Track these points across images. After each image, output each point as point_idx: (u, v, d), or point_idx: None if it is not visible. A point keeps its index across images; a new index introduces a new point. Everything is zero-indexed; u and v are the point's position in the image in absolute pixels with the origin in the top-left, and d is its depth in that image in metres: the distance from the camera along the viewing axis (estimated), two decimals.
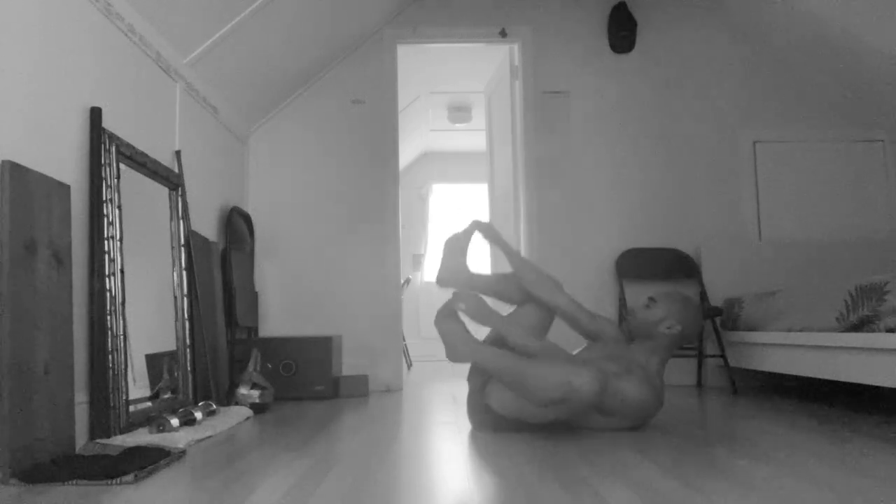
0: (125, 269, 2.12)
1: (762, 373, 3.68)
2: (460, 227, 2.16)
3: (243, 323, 3.35)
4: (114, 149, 2.13)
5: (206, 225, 3.12)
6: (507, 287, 2.36)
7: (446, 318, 2.28)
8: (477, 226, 2.38)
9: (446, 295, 7.56)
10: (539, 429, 2.18)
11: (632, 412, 2.08)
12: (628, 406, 2.06)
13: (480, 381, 2.25)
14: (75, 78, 2.01)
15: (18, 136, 1.73)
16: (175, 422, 2.06)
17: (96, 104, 2.11)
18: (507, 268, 3.38)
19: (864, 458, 1.63)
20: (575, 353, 2.27)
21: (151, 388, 2.28)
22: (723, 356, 3.43)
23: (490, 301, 2.61)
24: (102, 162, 2.07)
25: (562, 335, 3.20)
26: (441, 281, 2.36)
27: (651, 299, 2.24)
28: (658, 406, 2.12)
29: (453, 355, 2.23)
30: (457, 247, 2.37)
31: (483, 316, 2.25)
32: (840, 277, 3.66)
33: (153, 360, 2.31)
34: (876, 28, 3.29)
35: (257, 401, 2.77)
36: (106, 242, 2.05)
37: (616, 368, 2.10)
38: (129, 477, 1.45)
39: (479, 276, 2.37)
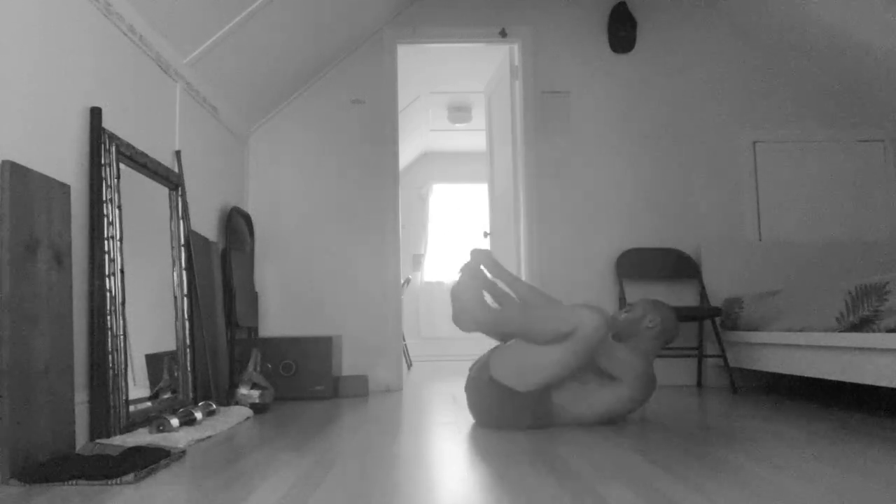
0: (125, 269, 2.12)
1: (762, 373, 3.68)
2: (466, 261, 2.52)
3: (243, 323, 3.35)
4: (114, 149, 2.13)
5: (206, 225, 3.12)
6: (526, 325, 2.30)
7: (466, 285, 2.41)
8: (475, 254, 2.48)
9: (446, 296, 7.56)
10: (539, 424, 2.19)
11: (625, 373, 2.20)
12: (623, 367, 2.20)
13: (483, 362, 2.32)
14: (75, 78, 2.01)
15: (18, 136, 1.73)
16: (175, 422, 2.06)
17: (96, 104, 2.11)
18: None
19: (863, 458, 1.63)
20: None
21: (151, 388, 2.28)
22: (723, 356, 3.43)
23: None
24: (102, 162, 2.07)
25: None
26: (461, 319, 2.40)
27: (629, 304, 2.48)
28: (650, 383, 2.23)
29: (463, 323, 2.36)
30: (470, 277, 2.43)
31: (495, 269, 2.48)
32: (840, 277, 3.66)
33: (153, 360, 2.31)
34: (876, 28, 3.29)
35: (257, 401, 2.77)
36: (106, 242, 2.05)
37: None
38: (129, 477, 1.45)
39: (497, 313, 2.36)
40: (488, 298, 4.28)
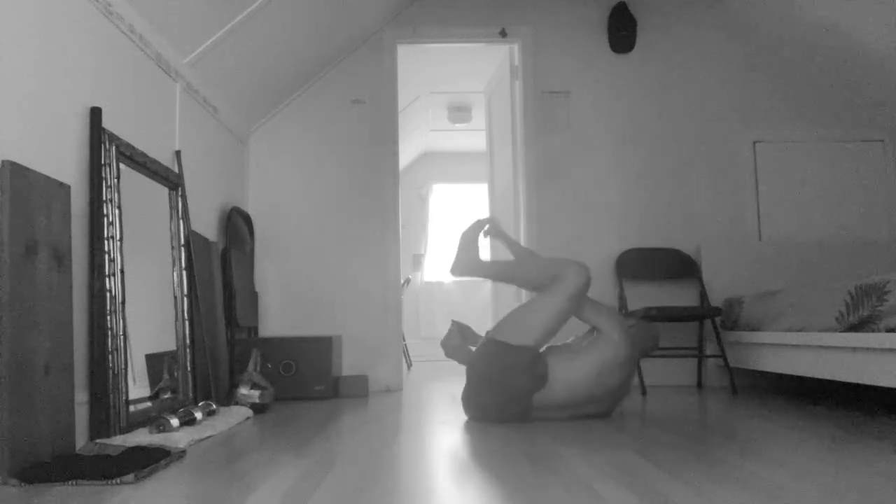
0: (125, 269, 2.12)
1: (762, 373, 3.68)
2: (469, 223, 3.08)
3: (243, 323, 3.35)
4: (114, 149, 2.13)
5: (206, 225, 3.12)
6: (516, 272, 2.65)
7: (469, 238, 2.67)
8: (482, 222, 2.70)
9: (446, 296, 7.56)
10: (537, 387, 2.30)
11: (610, 327, 2.40)
12: (608, 321, 2.41)
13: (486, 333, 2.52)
14: (75, 78, 2.01)
15: (18, 136, 1.73)
16: (175, 422, 2.06)
17: (96, 104, 2.11)
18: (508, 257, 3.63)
19: (863, 458, 1.63)
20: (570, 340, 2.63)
21: (151, 388, 2.28)
22: (723, 356, 3.43)
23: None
24: (102, 162, 2.07)
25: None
26: (455, 270, 2.69)
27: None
28: (632, 343, 2.41)
29: (458, 269, 2.65)
30: (468, 240, 2.68)
31: (500, 235, 2.70)
32: (840, 277, 3.66)
33: (153, 360, 2.31)
34: (876, 28, 3.29)
35: (257, 401, 2.77)
36: (106, 242, 2.05)
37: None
38: (129, 477, 1.46)
39: (490, 264, 2.69)
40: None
